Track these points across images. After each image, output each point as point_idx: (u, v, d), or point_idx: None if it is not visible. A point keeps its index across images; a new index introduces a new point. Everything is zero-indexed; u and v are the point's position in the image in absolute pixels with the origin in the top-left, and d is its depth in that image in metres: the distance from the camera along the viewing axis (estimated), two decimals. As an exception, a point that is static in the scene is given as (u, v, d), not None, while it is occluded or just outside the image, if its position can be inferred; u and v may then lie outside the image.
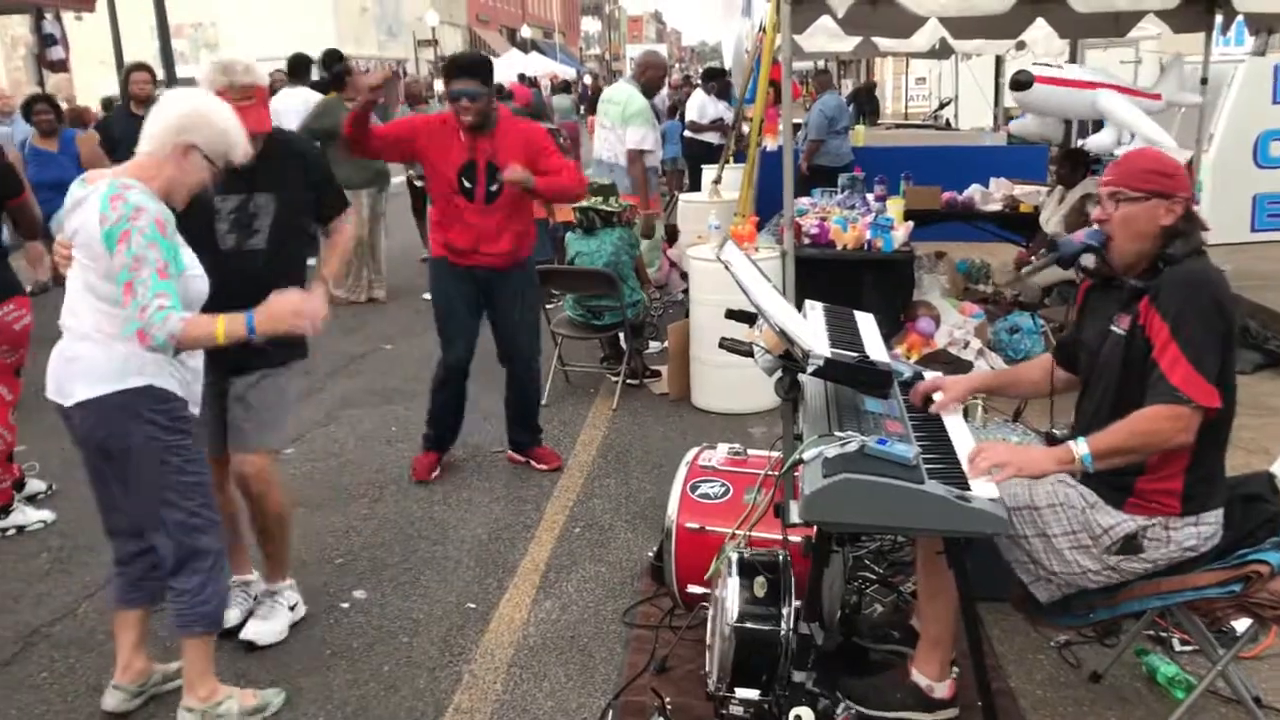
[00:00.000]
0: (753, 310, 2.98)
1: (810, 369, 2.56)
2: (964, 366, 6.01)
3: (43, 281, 8.70)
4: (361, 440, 5.50)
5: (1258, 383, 5.73)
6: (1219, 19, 6.86)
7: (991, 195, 7.95)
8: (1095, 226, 2.67)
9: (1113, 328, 2.61)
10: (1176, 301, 2.45)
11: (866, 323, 3.27)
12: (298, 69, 9.18)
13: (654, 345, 6.74)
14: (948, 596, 2.72)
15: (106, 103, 13.26)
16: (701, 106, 11.37)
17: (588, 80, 33.76)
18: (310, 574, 3.92)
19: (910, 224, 6.34)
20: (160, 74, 13.48)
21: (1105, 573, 2.59)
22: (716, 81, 11.86)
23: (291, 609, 3.62)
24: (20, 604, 3.83)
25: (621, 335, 6.10)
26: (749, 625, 2.65)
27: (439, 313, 4.80)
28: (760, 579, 2.70)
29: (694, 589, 3.18)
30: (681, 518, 3.25)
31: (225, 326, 2.69)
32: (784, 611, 2.66)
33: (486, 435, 5.36)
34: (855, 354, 2.77)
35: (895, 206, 6.57)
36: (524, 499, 4.68)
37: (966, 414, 3.02)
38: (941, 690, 2.84)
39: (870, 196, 7.09)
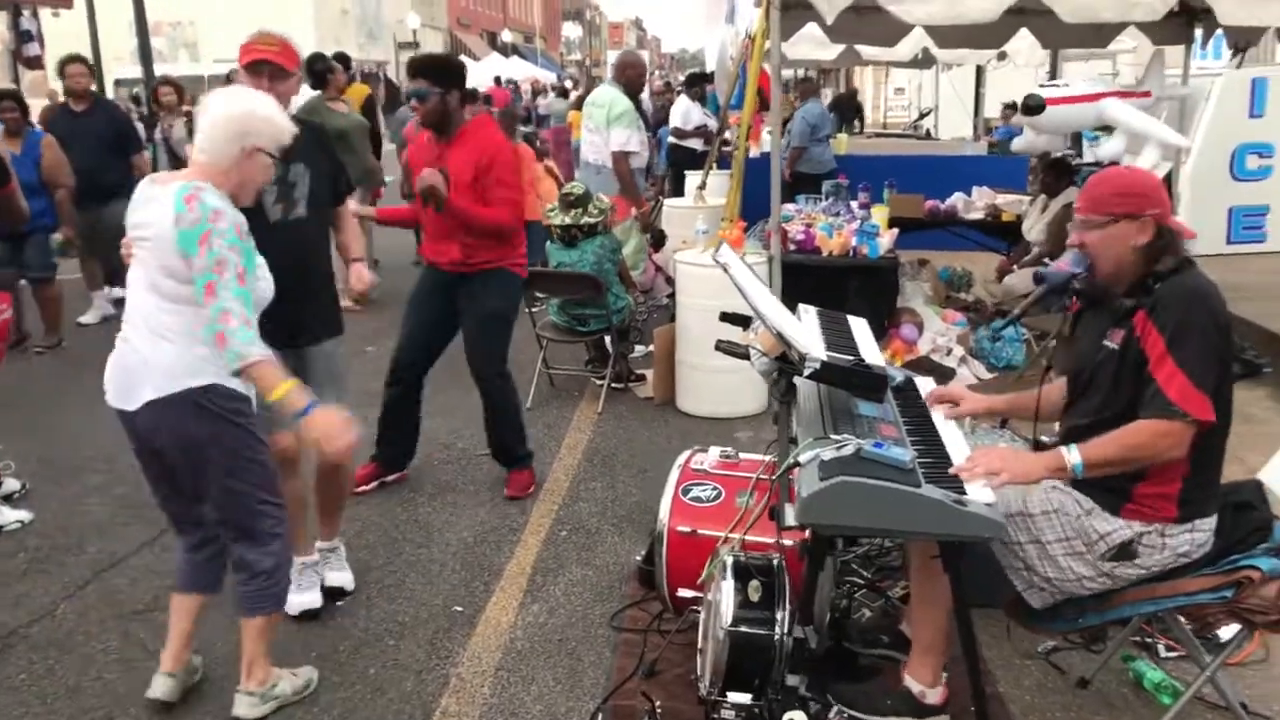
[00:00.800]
0: (746, 313, 2.98)
1: (807, 372, 2.56)
2: (946, 373, 6.05)
3: None
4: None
5: (1234, 392, 5.77)
6: (1199, 32, 6.97)
7: (974, 204, 8.02)
8: (1077, 251, 2.69)
9: (1105, 342, 2.62)
10: (1174, 316, 2.46)
11: (860, 327, 3.27)
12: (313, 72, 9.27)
13: (639, 349, 6.73)
14: (941, 602, 2.72)
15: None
16: (686, 112, 11.37)
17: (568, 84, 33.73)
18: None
19: (895, 231, 6.37)
20: (138, 72, 13.42)
21: (1100, 579, 2.60)
22: (699, 87, 11.88)
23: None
24: (-3, 605, 3.78)
25: (607, 339, 6.09)
26: (743, 629, 2.64)
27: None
28: (755, 583, 2.69)
29: (684, 593, 3.17)
30: (673, 521, 3.23)
31: (286, 393, 2.68)
32: (779, 615, 2.65)
33: (470, 439, 5.33)
34: (851, 357, 2.77)
35: (880, 213, 6.60)
36: (509, 502, 4.64)
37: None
38: (934, 696, 2.84)
39: (854, 204, 7.12)
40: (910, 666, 2.87)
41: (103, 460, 5.01)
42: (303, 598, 3.61)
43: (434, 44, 41.27)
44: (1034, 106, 5.74)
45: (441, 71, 4.33)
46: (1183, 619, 2.74)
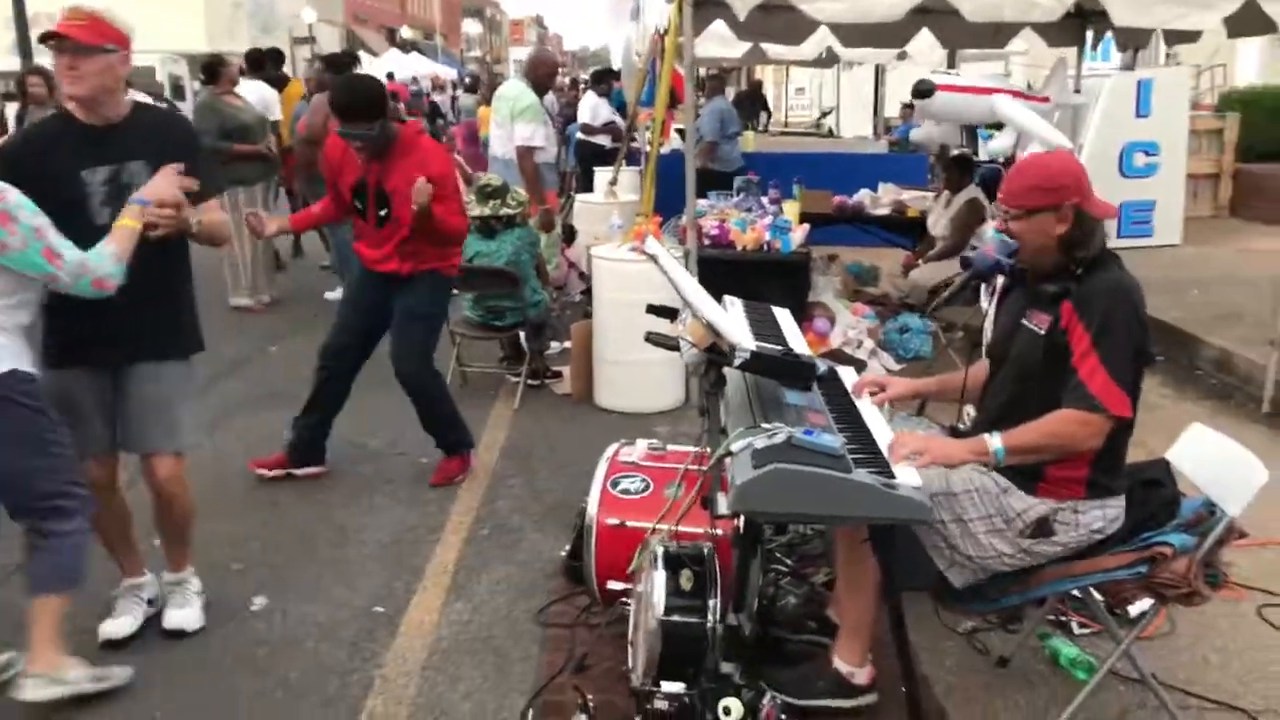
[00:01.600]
0: (672, 305, 2.99)
1: (738, 362, 2.57)
2: (858, 365, 6.15)
3: None
4: (250, 446, 5.24)
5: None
6: (1090, 34, 7.24)
7: (880, 200, 8.19)
8: (1003, 239, 2.77)
9: (1025, 322, 2.70)
10: (1100, 311, 2.54)
11: (785, 317, 3.31)
12: (255, 63, 9.32)
13: (555, 345, 6.69)
14: (868, 585, 2.77)
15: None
16: (594, 109, 11.36)
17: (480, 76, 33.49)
18: (207, 582, 3.70)
19: (806, 226, 6.46)
20: (17, 65, 12.83)
21: (1019, 555, 2.68)
22: (606, 83, 11.88)
23: (199, 594, 3.54)
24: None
25: (522, 335, 6.04)
26: (676, 618, 2.64)
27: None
28: (686, 572, 2.69)
29: (614, 585, 3.16)
30: (601, 514, 3.22)
31: (129, 219, 2.92)
32: (711, 603, 2.66)
33: (384, 439, 5.23)
34: (780, 347, 2.79)
35: (791, 209, 6.69)
36: (427, 501, 4.57)
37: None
38: (861, 676, 2.89)
39: (765, 199, 7.20)
40: (838, 648, 2.92)
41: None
42: (113, 624, 3.36)
43: (330, 39, 40.35)
44: (924, 91, 5.87)
45: (372, 107, 4.28)
46: (1098, 595, 2.84)
